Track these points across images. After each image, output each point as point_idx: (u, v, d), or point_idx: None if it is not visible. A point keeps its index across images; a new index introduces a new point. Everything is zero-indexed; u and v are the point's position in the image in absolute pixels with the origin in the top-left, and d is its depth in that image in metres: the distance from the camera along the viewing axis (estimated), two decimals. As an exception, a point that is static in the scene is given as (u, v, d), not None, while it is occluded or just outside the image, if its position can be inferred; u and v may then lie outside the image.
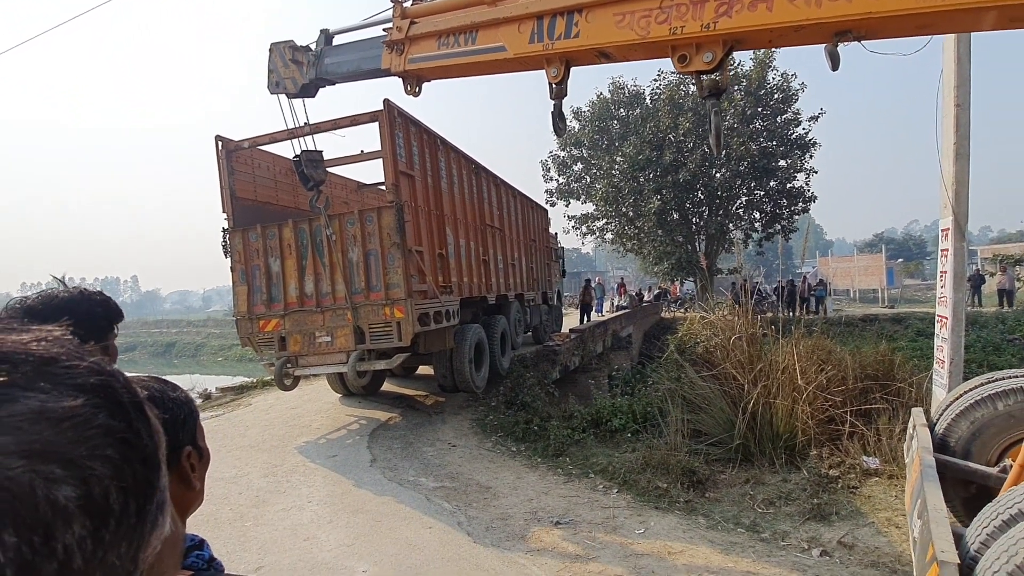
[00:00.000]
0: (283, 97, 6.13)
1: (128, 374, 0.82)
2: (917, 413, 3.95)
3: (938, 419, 3.82)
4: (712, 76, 3.76)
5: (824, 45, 3.52)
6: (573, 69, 4.42)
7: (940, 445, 3.54)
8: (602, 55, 4.32)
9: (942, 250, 4.81)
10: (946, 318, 4.69)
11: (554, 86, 4.50)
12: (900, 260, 50.91)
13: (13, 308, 1.38)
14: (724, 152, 19.90)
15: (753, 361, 6.23)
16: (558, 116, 4.65)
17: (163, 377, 0.92)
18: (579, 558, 4.02)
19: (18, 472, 0.30)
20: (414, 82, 5.25)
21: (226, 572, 0.92)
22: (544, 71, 4.56)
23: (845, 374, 6.40)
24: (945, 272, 4.75)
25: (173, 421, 0.83)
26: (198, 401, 11.45)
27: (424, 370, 12.02)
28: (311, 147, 6.65)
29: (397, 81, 4.99)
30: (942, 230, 4.83)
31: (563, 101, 4.53)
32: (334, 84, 5.90)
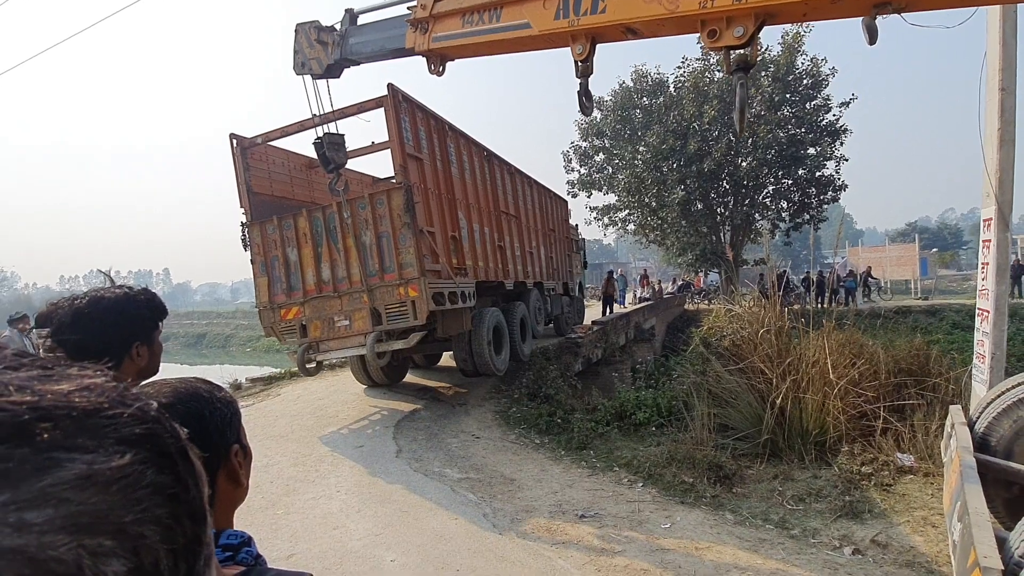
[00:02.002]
0: (308, 81, 6.21)
1: (177, 374, 0.84)
2: (956, 411, 3.83)
3: (978, 417, 3.70)
4: (741, 52, 3.66)
5: (861, 18, 3.39)
6: (598, 48, 4.36)
7: (980, 444, 3.42)
8: (629, 31, 4.24)
9: (984, 240, 4.63)
10: (987, 311, 4.52)
11: (579, 64, 4.45)
12: (935, 250, 49.19)
13: (64, 313, 1.42)
14: (751, 139, 19.45)
15: (782, 355, 6.10)
16: (584, 95, 4.60)
17: (206, 378, 0.94)
18: (604, 552, 4.02)
19: (64, 551, 0.26)
20: (438, 61, 5.25)
21: (269, 567, 0.94)
22: (569, 48, 4.52)
23: (877, 368, 6.23)
24: (987, 264, 4.56)
25: (222, 421, 0.85)
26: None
27: (445, 362, 12.16)
28: (332, 132, 6.77)
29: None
30: (984, 220, 4.64)
31: (589, 79, 4.48)
32: (358, 64, 5.93)
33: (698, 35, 3.74)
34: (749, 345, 6.83)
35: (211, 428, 0.83)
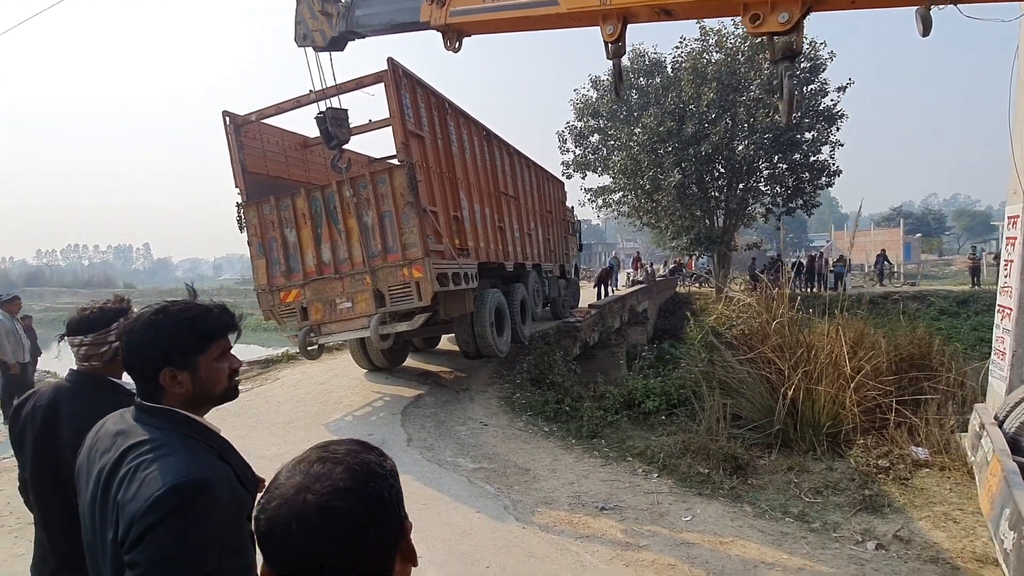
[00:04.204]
0: (310, 54, 5.94)
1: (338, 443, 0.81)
2: (981, 409, 3.85)
3: (1005, 417, 3.71)
4: (786, 38, 3.54)
5: (916, 8, 3.28)
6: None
7: (1012, 446, 3.43)
8: (664, 12, 4.08)
9: (1009, 238, 4.62)
10: (1010, 309, 4.53)
11: (610, 45, 4.29)
12: (919, 235, 50.04)
13: (140, 323, 1.28)
14: (749, 123, 19.34)
15: (794, 346, 6.11)
16: (617, 76, 4.44)
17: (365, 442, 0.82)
18: (629, 546, 4.01)
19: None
20: (454, 37, 5.04)
21: None
22: (599, 28, 4.35)
23: (884, 359, 6.27)
24: (1011, 261, 4.56)
25: (398, 498, 0.74)
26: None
27: (444, 346, 12.07)
28: (336, 107, 6.55)
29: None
30: (1009, 217, 4.62)
31: (621, 60, 4.33)
32: (364, 38, 5.68)
33: (733, 18, 3.60)
34: (758, 335, 6.83)
35: (392, 510, 0.72)
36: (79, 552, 1.36)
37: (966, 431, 4.76)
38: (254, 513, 0.76)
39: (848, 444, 5.44)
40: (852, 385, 5.52)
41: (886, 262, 24.70)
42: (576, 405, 7.34)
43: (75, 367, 1.95)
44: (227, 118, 7.87)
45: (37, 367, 8.39)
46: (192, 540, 1.10)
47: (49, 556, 1.80)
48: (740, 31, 20.25)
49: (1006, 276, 4.58)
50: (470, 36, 5.29)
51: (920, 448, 5.04)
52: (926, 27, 3.18)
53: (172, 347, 1.26)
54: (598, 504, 4.68)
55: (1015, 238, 4.51)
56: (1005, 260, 4.62)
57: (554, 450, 6.13)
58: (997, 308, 4.72)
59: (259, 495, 0.77)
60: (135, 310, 1.90)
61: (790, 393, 5.79)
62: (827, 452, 5.52)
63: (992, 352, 4.82)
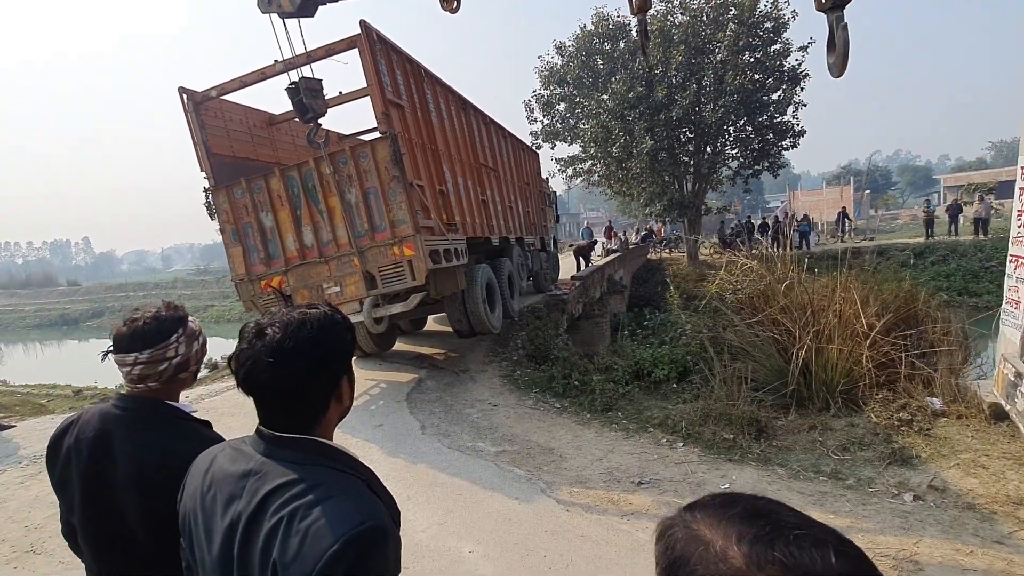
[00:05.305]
0: (275, 21, 5.43)
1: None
2: (1014, 359, 3.90)
3: (1036, 363, 3.77)
4: None
5: None
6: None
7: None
8: None
9: (1020, 188, 4.67)
10: (1023, 258, 4.62)
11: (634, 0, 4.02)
12: (867, 191, 52.07)
13: (255, 348, 1.02)
14: (718, 86, 19.33)
15: (803, 306, 6.14)
16: (643, 34, 4.19)
17: None
18: (677, 520, 3.94)
19: None
20: None
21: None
22: None
23: (889, 314, 6.40)
24: (1023, 212, 4.62)
25: None
26: (204, 373, 10.96)
27: (431, 327, 11.80)
28: (309, 76, 6.07)
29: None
30: (1022, 167, 4.67)
31: (647, 16, 4.07)
32: (337, 0, 5.23)
33: None
34: (762, 297, 6.85)
35: None
36: None
37: (982, 379, 4.89)
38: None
39: (863, 400, 5.54)
40: (867, 342, 5.60)
41: (847, 219, 25.58)
42: (585, 379, 7.25)
43: (124, 391, 1.64)
44: (184, 95, 7.23)
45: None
46: None
47: None
48: (703, -7, 20.10)
49: (1020, 226, 4.66)
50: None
51: (935, 399, 5.17)
52: None
53: (345, 355, 1.11)
54: (633, 479, 4.61)
55: (1028, 188, 4.57)
56: (1018, 211, 4.69)
57: (572, 426, 6.03)
58: (1010, 258, 4.81)
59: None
60: (156, 311, 1.60)
61: (802, 353, 5.84)
62: (843, 409, 5.61)
63: (1004, 301, 4.93)
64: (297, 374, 1.02)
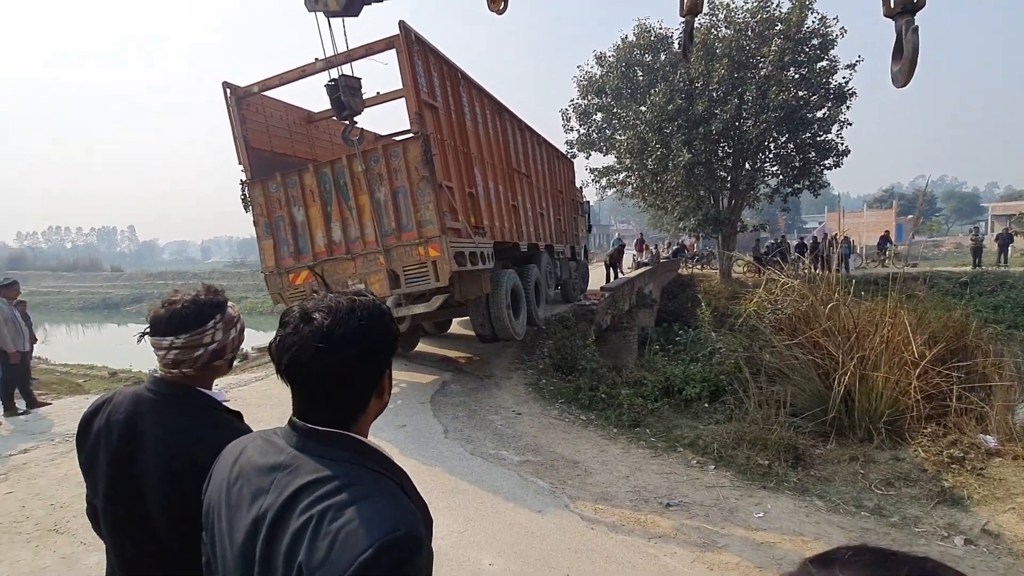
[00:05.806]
0: (321, 19, 5.46)
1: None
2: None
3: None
4: None
5: None
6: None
7: None
8: None
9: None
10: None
11: (685, 1, 3.89)
12: (910, 216, 50.20)
13: (314, 326, 0.95)
14: (760, 101, 18.94)
15: (848, 330, 5.86)
16: (687, 36, 4.06)
17: None
18: (707, 546, 3.76)
19: None
20: None
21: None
22: None
23: (941, 344, 6.05)
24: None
25: None
26: (236, 363, 11.16)
27: (455, 330, 11.76)
28: (348, 75, 6.13)
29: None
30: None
31: (695, 18, 3.94)
32: (382, 0, 5.23)
33: None
34: (804, 319, 6.58)
35: None
36: None
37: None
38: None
39: (910, 434, 5.23)
40: (917, 372, 5.29)
41: (889, 244, 24.68)
42: (612, 392, 7.07)
43: (158, 374, 1.59)
44: (227, 90, 7.44)
45: (33, 354, 7.97)
46: None
47: None
48: (749, 5, 19.76)
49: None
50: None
51: (989, 436, 4.84)
52: None
53: (393, 346, 1.05)
54: (661, 500, 4.44)
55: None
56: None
57: (597, 440, 5.87)
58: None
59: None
60: (195, 295, 1.54)
61: (845, 379, 5.56)
62: (886, 441, 5.31)
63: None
64: (348, 362, 0.95)
